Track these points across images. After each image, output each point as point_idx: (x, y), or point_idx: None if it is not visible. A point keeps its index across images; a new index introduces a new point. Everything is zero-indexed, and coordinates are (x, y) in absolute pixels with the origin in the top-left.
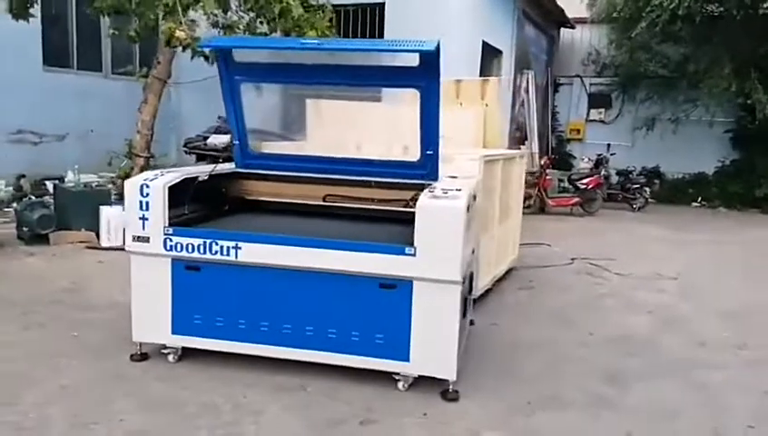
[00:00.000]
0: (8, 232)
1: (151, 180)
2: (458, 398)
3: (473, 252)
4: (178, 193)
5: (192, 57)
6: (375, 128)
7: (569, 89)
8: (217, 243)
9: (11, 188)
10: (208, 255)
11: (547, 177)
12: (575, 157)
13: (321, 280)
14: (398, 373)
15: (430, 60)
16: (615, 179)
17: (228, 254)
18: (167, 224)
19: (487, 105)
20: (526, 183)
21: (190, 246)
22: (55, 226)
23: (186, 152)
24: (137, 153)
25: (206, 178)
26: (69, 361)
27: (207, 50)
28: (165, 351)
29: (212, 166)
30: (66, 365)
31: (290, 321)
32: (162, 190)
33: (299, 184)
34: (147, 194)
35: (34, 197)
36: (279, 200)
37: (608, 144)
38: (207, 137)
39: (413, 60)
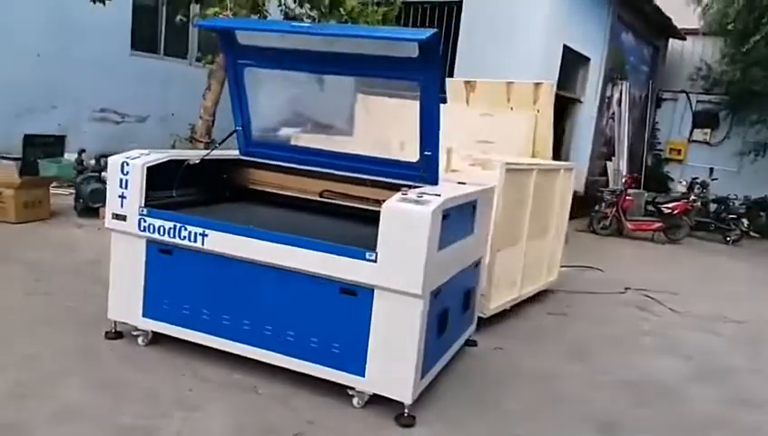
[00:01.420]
0: (69, 203)
1: (132, 158)
2: (413, 424)
3: (476, 266)
4: (166, 176)
5: None
6: (383, 124)
7: (672, 105)
8: (186, 228)
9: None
10: (177, 240)
11: (628, 197)
12: (672, 179)
13: (283, 278)
14: (353, 388)
15: (429, 51)
16: (713, 207)
17: (195, 241)
18: (143, 205)
19: (539, 112)
20: (605, 202)
21: (161, 228)
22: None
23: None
24: (198, 138)
25: (197, 162)
26: (50, 331)
27: None
28: (135, 334)
29: (206, 151)
30: (44, 334)
31: (249, 317)
32: (141, 169)
33: (299, 177)
34: (127, 172)
35: (93, 173)
36: (278, 192)
37: (711, 169)
38: None
39: (412, 50)
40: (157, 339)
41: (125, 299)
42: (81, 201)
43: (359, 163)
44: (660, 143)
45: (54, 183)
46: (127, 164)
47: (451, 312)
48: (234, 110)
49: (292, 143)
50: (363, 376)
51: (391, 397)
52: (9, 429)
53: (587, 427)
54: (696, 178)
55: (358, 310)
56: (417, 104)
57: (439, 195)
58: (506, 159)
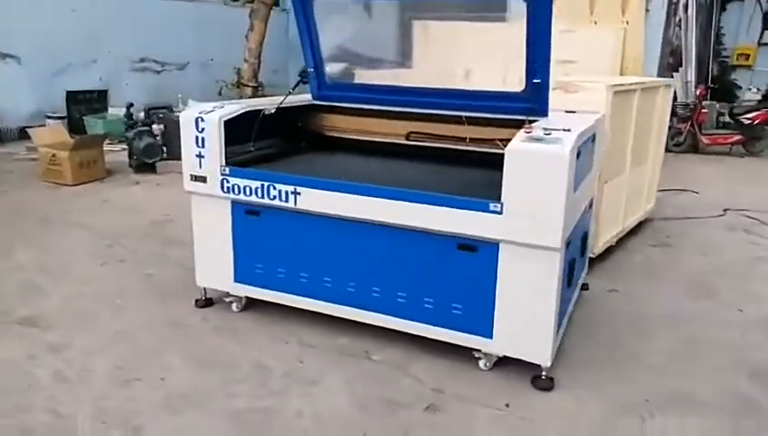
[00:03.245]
0: (123, 160)
1: (207, 113)
2: (552, 387)
3: (591, 206)
4: (242, 128)
5: None
6: (475, 53)
7: (739, 6)
8: (275, 187)
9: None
10: (266, 200)
11: (703, 110)
12: (740, 87)
13: (389, 235)
14: (477, 350)
15: None
16: None
17: (287, 200)
18: (224, 163)
19: (627, 24)
20: (677, 116)
21: (247, 189)
22: (162, 155)
23: (302, 82)
24: (245, 83)
25: (273, 111)
26: (133, 303)
27: None
28: (228, 300)
29: (281, 98)
30: (128, 307)
31: (354, 279)
32: (218, 124)
33: (381, 120)
34: (203, 130)
35: (144, 127)
36: (359, 138)
37: None
38: None
39: None
40: (251, 304)
41: (214, 264)
42: (135, 157)
43: (449, 99)
44: (726, 48)
45: (106, 140)
46: (202, 120)
47: (576, 260)
48: (305, 48)
49: (370, 82)
50: (490, 338)
51: (527, 359)
52: (124, 422)
53: (740, 376)
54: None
55: (479, 266)
56: (522, 23)
57: (569, 130)
58: (593, 80)
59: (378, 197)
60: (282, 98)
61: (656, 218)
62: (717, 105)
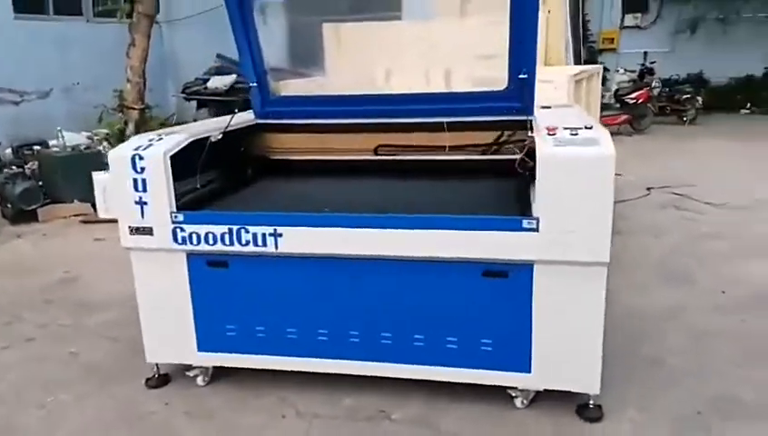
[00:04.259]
0: None
1: (144, 148)
2: (602, 416)
3: None
4: (183, 161)
5: None
6: (434, 54)
7: None
8: (247, 230)
9: None
10: (236, 247)
11: None
12: (608, 69)
13: (398, 270)
14: (513, 388)
15: None
16: (656, 91)
17: (264, 244)
18: (175, 209)
19: (549, 13)
20: None
21: (210, 236)
22: (43, 200)
23: (185, 98)
24: (129, 105)
25: (220, 137)
26: (67, 396)
27: None
28: (192, 374)
29: (226, 118)
30: (62, 406)
31: (357, 326)
32: (164, 161)
33: (341, 134)
34: (142, 169)
35: (15, 167)
36: (316, 158)
37: (645, 52)
38: (207, 80)
39: None
40: (220, 374)
41: (169, 333)
42: (10, 205)
43: (421, 105)
44: (592, 34)
45: None
46: (141, 158)
47: None
48: (244, 60)
49: (326, 93)
50: (528, 371)
51: (573, 390)
52: None
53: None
54: (644, 64)
55: (512, 293)
56: (504, 14)
57: (591, 127)
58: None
59: (383, 228)
60: (228, 119)
61: None
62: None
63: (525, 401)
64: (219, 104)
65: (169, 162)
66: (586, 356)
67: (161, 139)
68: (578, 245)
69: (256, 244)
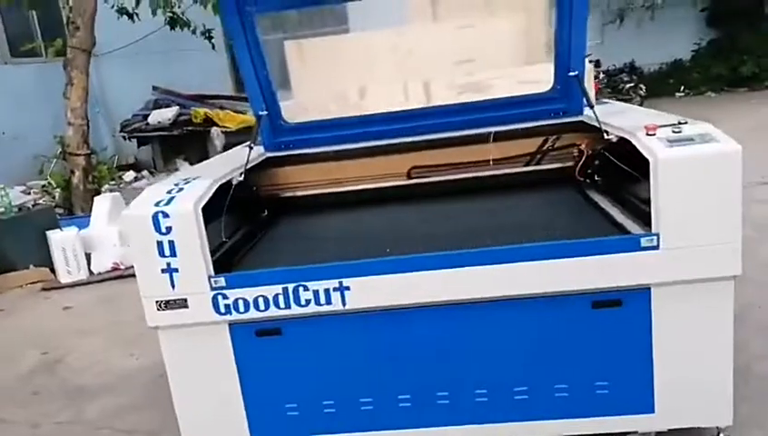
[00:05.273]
0: None
1: (167, 203)
2: None
3: None
4: (204, 212)
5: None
6: (466, 60)
7: None
8: (306, 288)
9: None
10: (292, 309)
11: None
12: None
13: (491, 314)
14: (633, 432)
15: None
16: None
17: (329, 302)
18: (213, 273)
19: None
20: None
21: (261, 300)
22: None
23: (125, 138)
24: (73, 152)
25: (241, 178)
26: None
27: None
28: None
29: (244, 151)
30: None
31: (447, 386)
32: (195, 215)
33: (365, 159)
34: (168, 230)
35: None
36: (338, 190)
37: None
38: (147, 115)
39: None
40: None
41: (214, 421)
42: None
43: (457, 117)
44: None
45: None
46: (165, 215)
47: None
48: (250, 88)
49: (347, 114)
50: (652, 411)
51: (703, 425)
52: None
53: None
54: (589, 57)
55: (628, 323)
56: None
57: (685, 122)
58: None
59: (474, 265)
60: (246, 155)
61: None
62: None
63: None
64: (163, 140)
65: (201, 216)
66: (716, 386)
67: (180, 188)
68: (706, 259)
69: (318, 303)
